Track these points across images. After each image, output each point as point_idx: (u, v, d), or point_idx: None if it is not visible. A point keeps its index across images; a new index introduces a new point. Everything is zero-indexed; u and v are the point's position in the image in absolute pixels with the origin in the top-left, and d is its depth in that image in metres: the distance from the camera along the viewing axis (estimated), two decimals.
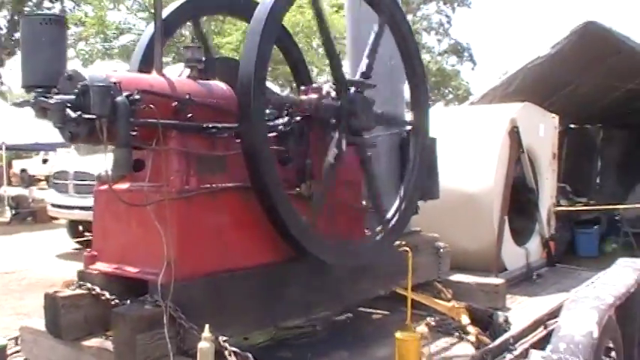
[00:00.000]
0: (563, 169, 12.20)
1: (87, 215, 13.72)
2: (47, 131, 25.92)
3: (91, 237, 11.66)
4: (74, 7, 31.02)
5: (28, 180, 30.71)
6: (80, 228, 15.00)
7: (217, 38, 20.05)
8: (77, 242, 14.61)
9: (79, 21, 23.39)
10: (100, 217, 3.81)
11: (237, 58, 4.61)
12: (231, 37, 20.02)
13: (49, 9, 35.51)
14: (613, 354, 5.03)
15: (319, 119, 3.95)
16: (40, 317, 3.60)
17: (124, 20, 25.04)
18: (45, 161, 30.65)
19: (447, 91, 44.14)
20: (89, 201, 13.31)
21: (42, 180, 30.08)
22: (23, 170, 33.61)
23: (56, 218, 16.45)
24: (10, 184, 31.21)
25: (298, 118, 3.88)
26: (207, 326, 2.92)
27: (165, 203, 3.19)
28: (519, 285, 6.20)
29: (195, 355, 2.98)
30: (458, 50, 44.51)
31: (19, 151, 32.86)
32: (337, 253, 3.90)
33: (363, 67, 4.22)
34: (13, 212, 20.52)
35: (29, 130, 25.31)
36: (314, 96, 4.02)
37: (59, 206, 14.58)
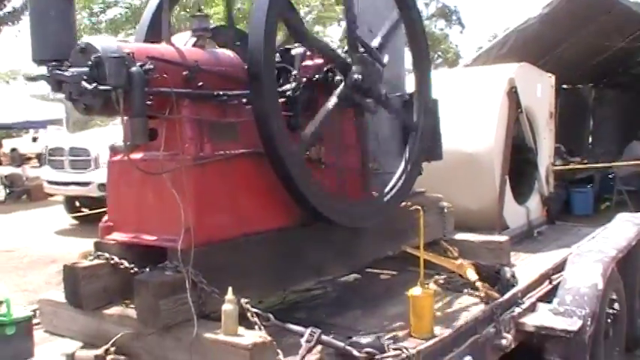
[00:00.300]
0: (557, 129, 12.26)
1: (83, 191, 13.80)
2: (37, 109, 25.96)
3: (87, 212, 11.75)
4: None
5: (19, 159, 30.58)
6: (77, 204, 15.03)
7: (205, 8, 19.88)
8: (74, 218, 14.63)
9: None
10: (114, 187, 3.84)
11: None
12: (218, 8, 19.85)
13: None
14: (616, 305, 5.15)
15: (326, 82, 3.99)
16: (50, 290, 3.64)
17: None
18: (35, 139, 30.56)
19: (436, 55, 43.97)
20: (85, 176, 13.53)
21: (33, 158, 29.94)
22: (14, 149, 33.47)
23: (52, 195, 16.45)
24: (0, 163, 31.21)
25: (306, 84, 3.92)
26: (230, 289, 2.99)
27: (181, 171, 3.25)
28: (521, 242, 6.29)
29: (217, 318, 3.06)
30: (446, 14, 44.22)
31: (8, 130, 32.81)
32: (348, 215, 3.97)
33: (376, 43, 4.25)
34: (8, 191, 20.45)
35: (19, 109, 25.29)
36: (319, 61, 4.08)
37: (55, 183, 14.58)
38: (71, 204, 15.10)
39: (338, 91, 3.90)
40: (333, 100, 3.85)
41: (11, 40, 55.23)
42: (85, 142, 14.23)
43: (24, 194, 20.28)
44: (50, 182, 14.83)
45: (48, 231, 14.21)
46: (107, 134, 13.46)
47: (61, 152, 14.48)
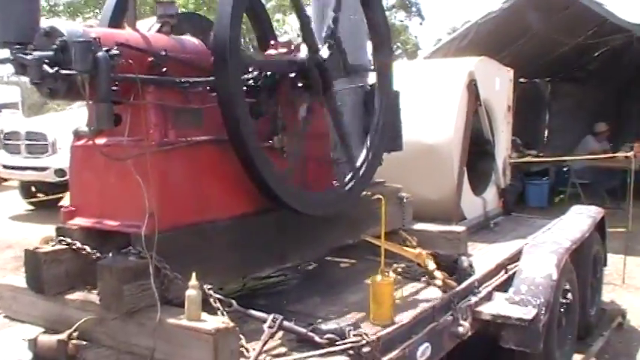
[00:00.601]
0: (513, 123, 12.44)
1: (40, 176, 13.63)
2: None
3: (43, 198, 11.60)
4: None
5: None
6: (33, 189, 14.85)
7: None
8: (30, 203, 14.46)
9: None
10: (77, 172, 3.82)
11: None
12: None
13: None
14: (569, 295, 5.28)
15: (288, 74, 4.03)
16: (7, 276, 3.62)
17: None
18: None
19: (395, 46, 44.16)
20: (42, 161, 13.37)
21: None
22: None
23: (6, 180, 16.22)
24: None
25: (269, 72, 3.95)
26: (194, 274, 3.01)
27: (145, 156, 3.26)
28: (478, 233, 6.40)
29: (180, 303, 3.08)
30: (406, 5, 44.45)
31: None
32: (310, 203, 4.02)
33: (330, 22, 4.28)
34: None
35: None
36: (283, 50, 4.12)
37: (11, 167, 14.38)
38: (27, 189, 14.90)
39: (304, 97, 4.00)
40: (304, 108, 3.97)
41: None
42: (42, 126, 14.05)
43: None
44: (5, 167, 14.61)
45: (2, 216, 14.02)
46: (64, 119, 13.33)
47: (17, 136, 14.28)
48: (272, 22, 4.29)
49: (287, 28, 29.79)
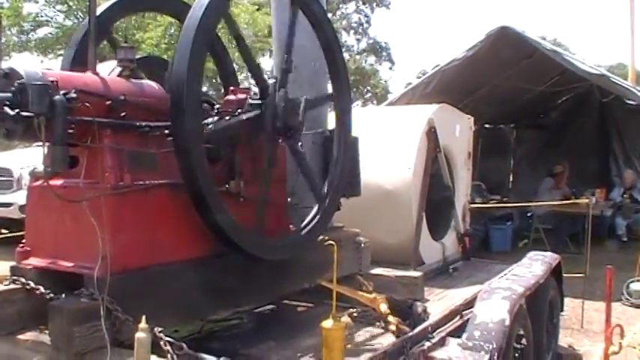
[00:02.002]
0: (478, 168, 12.64)
1: (4, 212, 13.45)
2: None
3: (7, 234, 11.40)
4: None
5: None
6: None
7: (138, 33, 19.88)
8: None
9: None
10: (33, 212, 3.86)
11: (157, 53, 4.75)
12: (152, 33, 19.84)
13: None
14: (524, 340, 5.34)
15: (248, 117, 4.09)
16: None
17: (41, 12, 24.52)
18: None
19: (365, 89, 44.58)
20: (7, 197, 13.22)
21: None
22: None
23: None
24: None
25: (228, 118, 4.01)
26: (143, 317, 3.03)
27: (101, 199, 3.30)
28: (436, 278, 6.47)
29: (131, 345, 3.09)
30: (376, 50, 44.95)
31: None
32: (266, 248, 4.06)
33: (282, 64, 4.35)
34: None
35: None
36: (242, 96, 4.19)
37: None
38: None
39: (265, 147, 4.05)
40: (265, 159, 4.02)
41: None
42: (7, 162, 13.91)
43: None
44: None
45: None
46: (30, 155, 13.22)
47: None
48: (244, 62, 4.34)
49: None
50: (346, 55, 39.02)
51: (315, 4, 4.54)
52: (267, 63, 30.60)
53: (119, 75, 3.88)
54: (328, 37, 4.63)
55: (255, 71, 4.22)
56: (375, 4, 44.17)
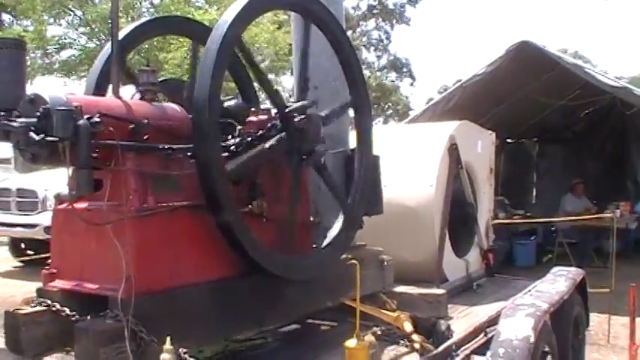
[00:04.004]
0: (500, 183, 12.60)
1: (30, 233, 13.62)
2: None
3: (33, 255, 11.57)
4: (12, 21, 30.61)
5: None
6: (22, 246, 14.85)
7: (161, 54, 20.06)
8: (21, 262, 14.42)
9: (18, 36, 23.13)
10: (58, 235, 3.90)
11: (180, 74, 4.82)
12: (175, 53, 19.99)
13: None
14: (549, 357, 5.29)
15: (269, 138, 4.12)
16: None
17: (64, 35, 24.79)
18: None
19: (386, 106, 44.67)
20: (32, 218, 13.38)
21: None
22: None
23: None
24: None
25: (249, 139, 4.04)
26: (168, 338, 3.06)
27: (125, 221, 3.33)
28: (460, 295, 6.45)
29: None
30: (397, 66, 45.09)
31: None
32: (288, 267, 4.08)
33: (300, 83, 4.43)
34: None
35: None
36: (263, 117, 4.23)
37: (1, 224, 14.40)
38: (16, 246, 14.91)
39: (275, 138, 4.06)
40: (268, 143, 4.01)
41: None
42: (32, 183, 14.09)
43: None
44: None
45: None
46: (55, 176, 13.38)
47: (8, 193, 14.33)
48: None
49: (279, 88, 30.10)
50: (367, 72, 39.19)
51: (333, 22, 4.57)
52: (289, 81, 30.81)
53: (141, 98, 3.93)
54: (347, 53, 4.66)
55: (273, 97, 4.24)
56: (394, 21, 44.34)
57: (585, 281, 6.73)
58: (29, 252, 14.43)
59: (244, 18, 3.91)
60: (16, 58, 3.54)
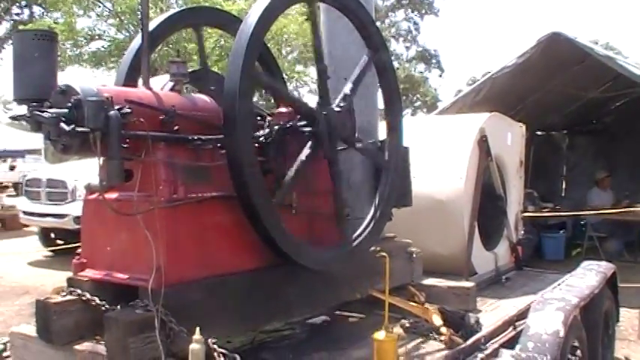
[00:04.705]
0: (530, 175, 12.49)
1: (59, 223, 13.77)
2: (16, 138, 25.95)
3: (63, 245, 11.73)
4: (43, 14, 30.89)
5: None
6: (52, 235, 15.00)
7: (189, 45, 20.10)
8: (51, 251, 14.58)
9: (49, 27, 23.35)
10: (88, 225, 3.93)
11: (209, 64, 4.84)
12: (204, 44, 20.06)
13: (17, 15, 35.43)
14: (578, 352, 5.25)
15: (298, 128, 4.12)
16: (21, 323, 3.70)
17: (93, 27, 24.98)
18: (12, 168, 30.39)
19: (415, 97, 44.58)
20: (62, 208, 13.52)
21: (9, 187, 29.78)
22: None
23: (27, 225, 16.40)
24: None
25: (279, 130, 4.04)
26: (197, 329, 3.08)
27: (155, 212, 3.35)
28: (489, 288, 6.40)
29: (185, 357, 3.14)
30: (426, 57, 44.96)
31: None
32: (317, 259, 4.08)
33: (347, 89, 4.40)
34: None
35: None
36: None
37: (31, 214, 14.57)
38: (46, 235, 15.06)
39: (309, 144, 4.05)
40: (305, 153, 3.99)
41: None
42: (62, 174, 14.22)
43: None
44: (26, 213, 14.81)
45: (21, 262, 14.15)
46: (85, 167, 13.49)
47: (38, 183, 14.50)
48: (293, 73, 4.43)
49: (307, 79, 30.08)
50: (395, 64, 38.94)
51: (363, 13, 4.55)
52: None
53: (171, 89, 3.95)
54: (376, 44, 4.63)
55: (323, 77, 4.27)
56: (424, 12, 44.19)
57: (616, 276, 6.66)
58: (59, 242, 14.58)
59: (275, 8, 3.89)
60: (47, 49, 3.56)
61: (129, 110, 3.29)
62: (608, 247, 13.09)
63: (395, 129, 4.81)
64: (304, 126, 4.10)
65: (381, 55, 4.66)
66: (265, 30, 3.87)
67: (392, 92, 4.79)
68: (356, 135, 4.45)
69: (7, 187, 30.18)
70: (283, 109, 4.26)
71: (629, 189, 14.38)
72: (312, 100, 4.37)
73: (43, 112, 3.27)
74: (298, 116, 4.13)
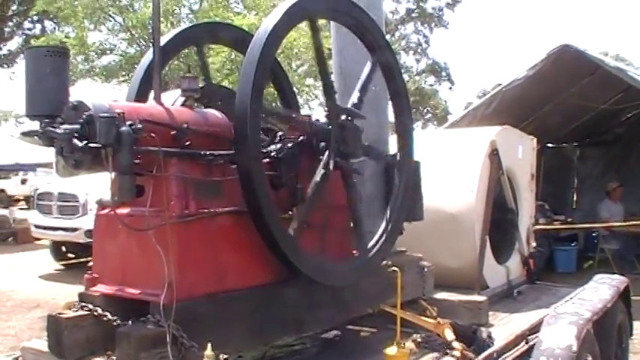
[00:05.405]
0: (541, 187, 12.45)
1: (70, 237, 13.81)
2: (27, 151, 26.07)
3: (74, 258, 11.76)
4: (55, 28, 31.11)
5: (7, 200, 30.50)
6: (63, 249, 15.04)
7: None
8: (63, 265, 14.60)
9: (60, 42, 23.48)
10: (100, 240, 3.94)
11: (220, 78, 4.86)
12: (215, 58, 20.10)
13: (29, 30, 35.68)
14: None
15: (310, 143, 4.12)
16: (33, 338, 3.70)
17: (104, 41, 25.14)
18: (24, 181, 30.56)
19: (425, 110, 44.60)
20: (73, 222, 13.57)
21: (21, 200, 29.92)
22: (2, 190, 33.42)
23: (39, 239, 16.46)
24: None
25: (290, 145, 4.05)
26: (209, 344, 3.07)
27: (166, 227, 3.35)
28: (501, 302, 6.37)
29: None
30: (436, 70, 44.99)
31: None
32: (329, 274, 4.07)
33: (354, 99, 4.41)
34: None
35: (9, 151, 25.34)
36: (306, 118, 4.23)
37: (43, 227, 14.62)
38: (57, 249, 15.12)
39: (322, 162, 4.06)
40: (319, 172, 4.01)
41: (4, 82, 55.77)
42: (73, 187, 14.28)
43: (10, 236, 20.24)
44: (37, 227, 14.88)
45: (33, 275, 14.20)
46: (96, 181, 13.55)
47: (50, 197, 14.56)
48: (303, 86, 4.43)
49: (318, 92, 30.12)
50: (405, 76, 39.14)
51: (374, 28, 4.56)
52: None
53: (183, 104, 3.96)
54: (388, 61, 4.64)
55: (331, 100, 4.27)
56: (433, 25, 44.25)
57: (629, 289, 6.62)
58: (70, 255, 14.63)
59: (285, 25, 3.91)
60: (59, 65, 3.57)
61: (140, 126, 3.30)
62: (621, 259, 13.02)
63: (405, 143, 4.81)
64: (315, 141, 4.10)
65: (396, 81, 4.68)
66: (275, 47, 3.89)
67: (402, 105, 4.79)
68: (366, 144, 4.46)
69: (18, 200, 30.32)
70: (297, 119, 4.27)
71: None
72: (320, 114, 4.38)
73: (56, 128, 3.29)
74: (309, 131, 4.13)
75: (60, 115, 3.38)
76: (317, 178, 4.00)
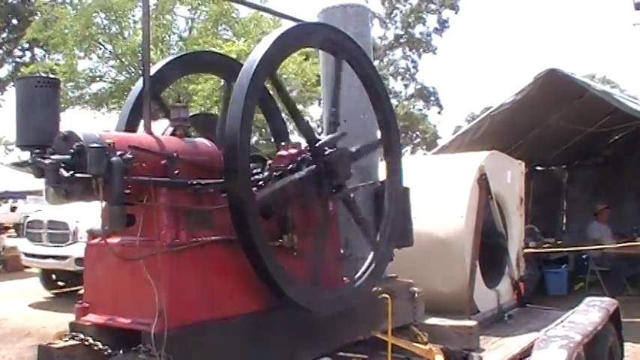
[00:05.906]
0: (530, 211, 12.49)
1: (61, 265, 13.72)
2: (17, 179, 26.00)
3: (64, 287, 11.70)
4: (45, 55, 31.17)
5: None
6: (53, 277, 14.96)
7: (190, 86, 20.27)
8: (53, 293, 14.51)
9: (50, 69, 23.55)
10: (90, 270, 3.95)
11: (209, 105, 4.88)
12: (205, 85, 20.17)
13: (20, 57, 35.75)
14: None
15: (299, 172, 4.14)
16: None
17: (94, 68, 25.20)
18: (14, 209, 30.38)
19: (414, 134, 44.76)
20: (63, 250, 13.50)
21: (10, 228, 29.74)
22: None
23: (28, 267, 16.36)
24: None
25: (279, 173, 4.07)
26: None
27: (157, 256, 3.36)
28: (492, 326, 6.38)
29: None
30: (424, 95, 45.21)
31: None
32: (320, 301, 4.08)
33: (330, 117, 4.44)
34: None
35: None
36: (293, 151, 4.24)
37: (32, 255, 14.54)
38: (47, 277, 15.00)
39: (320, 207, 4.11)
40: (322, 216, 4.06)
41: None
42: (64, 215, 14.21)
43: (0, 264, 20.09)
44: (27, 254, 14.77)
45: (23, 303, 14.10)
46: (86, 208, 13.51)
47: (40, 225, 14.47)
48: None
49: (307, 118, 30.26)
50: (394, 101, 39.32)
51: (362, 57, 4.60)
52: (316, 111, 30.94)
53: (172, 134, 3.98)
54: (377, 89, 4.68)
55: (305, 130, 4.27)
56: (422, 50, 44.49)
57: (619, 312, 6.66)
58: (60, 283, 14.54)
59: (274, 56, 3.95)
60: (50, 95, 3.60)
61: (130, 156, 3.33)
62: (611, 281, 13.04)
63: (394, 170, 4.83)
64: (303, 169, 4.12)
65: (381, 100, 4.72)
66: (264, 78, 3.92)
67: (390, 133, 4.81)
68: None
69: (8, 228, 30.13)
70: (283, 152, 4.29)
71: (636, 222, 14.36)
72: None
73: (45, 158, 3.31)
74: (300, 158, 4.15)
75: (50, 146, 3.40)
76: (322, 220, 4.06)
